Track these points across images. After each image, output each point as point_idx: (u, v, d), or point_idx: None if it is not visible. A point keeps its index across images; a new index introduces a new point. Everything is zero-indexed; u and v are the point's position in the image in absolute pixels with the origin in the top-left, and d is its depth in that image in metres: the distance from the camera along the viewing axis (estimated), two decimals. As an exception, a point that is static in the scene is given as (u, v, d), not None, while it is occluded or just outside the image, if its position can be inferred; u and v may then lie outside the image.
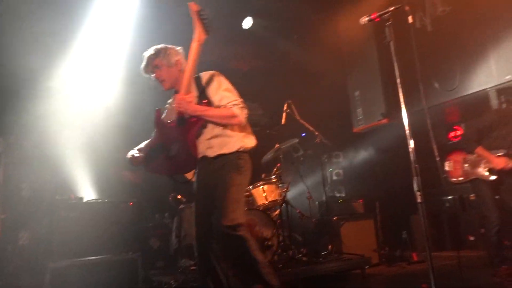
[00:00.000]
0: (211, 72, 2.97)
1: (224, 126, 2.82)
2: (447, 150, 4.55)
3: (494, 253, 3.90)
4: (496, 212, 3.89)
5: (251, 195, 4.92)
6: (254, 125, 7.28)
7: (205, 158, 2.85)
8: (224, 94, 2.84)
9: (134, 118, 5.80)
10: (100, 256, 4.14)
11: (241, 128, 2.91)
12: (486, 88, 5.52)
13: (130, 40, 5.88)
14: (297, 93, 6.66)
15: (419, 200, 2.74)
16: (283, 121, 5.25)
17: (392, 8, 3.08)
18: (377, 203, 6.00)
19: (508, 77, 5.35)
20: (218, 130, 2.83)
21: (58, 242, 4.08)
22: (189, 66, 2.79)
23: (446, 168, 4.19)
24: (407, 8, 3.22)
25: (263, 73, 7.62)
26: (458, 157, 4.15)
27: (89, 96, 5.53)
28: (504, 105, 5.27)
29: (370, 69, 6.69)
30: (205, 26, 2.76)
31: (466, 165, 4.09)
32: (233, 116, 2.76)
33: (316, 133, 5.34)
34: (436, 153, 3.56)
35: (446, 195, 5.92)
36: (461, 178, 4.11)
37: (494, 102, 5.44)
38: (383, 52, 6.51)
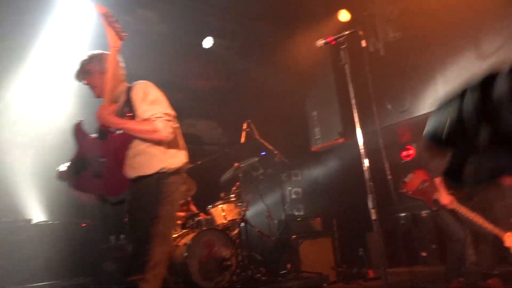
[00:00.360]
0: (142, 82, 2.71)
1: (151, 142, 2.52)
2: (400, 168, 4.73)
3: (454, 267, 4.05)
4: (461, 229, 4.02)
5: (210, 214, 4.87)
6: (213, 143, 7.32)
7: (131, 180, 2.55)
8: (149, 106, 2.55)
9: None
10: (49, 282, 3.92)
11: (168, 145, 2.59)
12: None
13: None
14: (256, 112, 6.73)
15: (373, 217, 2.83)
16: (242, 140, 5.27)
17: (346, 32, 3.22)
18: (334, 221, 6.09)
19: (454, 100, 5.70)
20: (142, 147, 2.53)
21: (4, 268, 3.82)
22: (109, 75, 2.58)
23: (405, 179, 4.36)
24: (360, 32, 3.36)
25: (223, 92, 7.66)
26: (420, 175, 4.34)
27: (39, 114, 5.30)
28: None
29: (327, 90, 6.91)
30: (117, 30, 2.61)
31: (422, 185, 4.31)
32: (154, 130, 2.46)
33: (276, 152, 5.40)
34: (388, 172, 3.71)
35: (399, 212, 6.12)
36: (410, 193, 4.31)
37: (442, 123, 5.75)
38: (339, 74, 6.72)
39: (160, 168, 2.51)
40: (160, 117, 2.50)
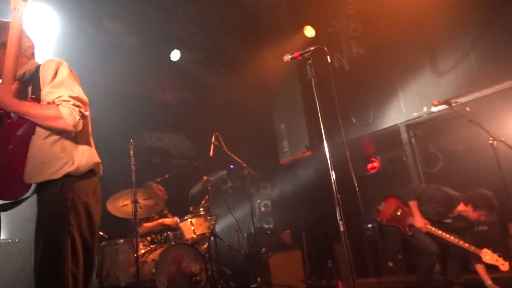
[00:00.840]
0: (53, 59, 2.20)
1: (56, 135, 2.07)
2: (366, 180, 4.87)
3: (425, 277, 4.18)
4: (433, 244, 4.17)
5: (179, 229, 4.80)
6: (182, 157, 7.25)
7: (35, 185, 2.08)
8: (55, 87, 2.07)
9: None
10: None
11: (77, 140, 2.15)
12: (397, 124, 6.07)
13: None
14: (224, 125, 6.75)
15: (341, 229, 2.87)
16: (211, 153, 5.26)
17: (312, 48, 3.29)
18: (303, 233, 6.15)
19: (415, 114, 5.95)
20: (45, 141, 2.06)
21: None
22: (11, 45, 2.07)
23: (379, 208, 4.52)
24: (325, 48, 3.46)
25: (191, 105, 7.63)
26: (393, 202, 4.51)
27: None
28: (413, 140, 5.83)
29: (295, 104, 7.04)
30: None
31: (395, 212, 4.44)
32: (57, 117, 1.99)
33: (244, 165, 5.42)
34: (356, 184, 3.81)
35: (366, 223, 6.26)
36: (385, 221, 4.49)
37: (404, 136, 5.99)
38: (306, 88, 6.91)
39: (68, 171, 2.03)
40: (66, 100, 2.03)
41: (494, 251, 3.98)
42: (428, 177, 5.72)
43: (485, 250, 4.01)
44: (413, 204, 4.32)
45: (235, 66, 7.72)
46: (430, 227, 4.20)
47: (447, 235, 4.11)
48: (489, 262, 3.99)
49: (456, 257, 4.26)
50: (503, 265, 3.92)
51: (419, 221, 4.23)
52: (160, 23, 6.48)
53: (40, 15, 5.40)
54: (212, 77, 7.69)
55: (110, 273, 4.31)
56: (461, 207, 4.16)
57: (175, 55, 7.03)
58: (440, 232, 4.15)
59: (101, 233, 4.70)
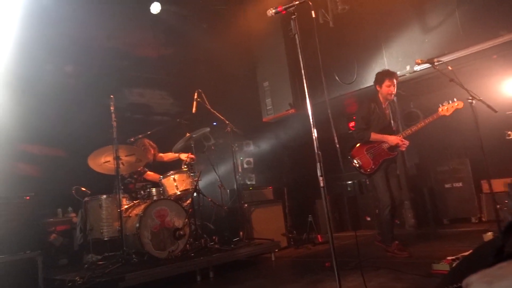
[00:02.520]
0: None
1: None
2: (348, 138, 4.92)
3: (387, 230, 4.35)
4: (388, 194, 4.34)
5: (162, 185, 4.84)
6: (164, 114, 7.18)
7: None
8: None
9: (29, 106, 5.31)
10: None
11: None
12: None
13: (23, 20, 5.35)
14: (207, 82, 6.66)
15: (321, 184, 2.95)
16: (193, 109, 5.22)
17: (296, 2, 3.21)
18: (285, 190, 6.29)
19: (398, 73, 5.95)
20: None
21: None
22: None
23: (356, 165, 4.46)
24: (310, 3, 3.37)
25: (173, 61, 7.45)
26: (361, 151, 4.50)
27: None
28: (395, 98, 5.86)
29: (278, 61, 6.95)
30: None
31: (370, 153, 4.48)
32: None
33: (227, 122, 5.41)
34: (337, 141, 3.85)
35: (346, 180, 6.42)
36: (373, 166, 4.41)
37: (386, 94, 6.02)
38: (290, 45, 6.80)
39: None
40: None
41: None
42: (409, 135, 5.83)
43: (439, 108, 4.26)
44: (373, 135, 4.41)
45: (218, 21, 7.49)
46: (404, 133, 4.36)
47: (418, 124, 4.33)
48: (450, 111, 4.25)
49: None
50: (458, 104, 4.20)
51: (391, 139, 4.34)
52: (139, -27, 6.18)
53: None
54: (195, 31, 7.46)
55: (94, 227, 4.37)
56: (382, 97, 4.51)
57: (155, 7, 6.76)
58: (411, 128, 4.34)
59: (83, 188, 4.71)
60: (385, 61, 6.13)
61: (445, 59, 4.72)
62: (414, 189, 6.34)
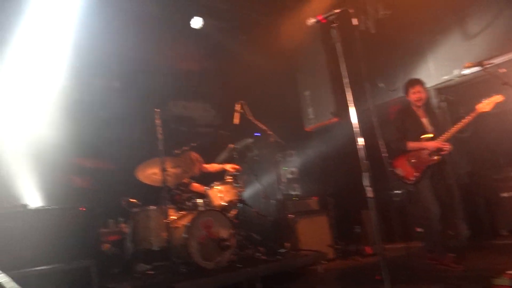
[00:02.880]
0: None
1: None
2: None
3: (439, 242, 4.15)
4: (435, 203, 4.19)
5: (207, 196, 4.91)
6: (207, 125, 7.31)
7: None
8: None
9: (81, 121, 5.59)
10: (50, 266, 3.95)
11: None
12: (427, 87, 5.88)
13: (74, 38, 5.66)
14: (249, 93, 6.71)
15: (369, 195, 2.87)
16: (236, 121, 5.28)
17: (337, 11, 3.20)
18: (330, 200, 6.18)
19: (445, 77, 5.75)
20: None
21: (2, 254, 3.83)
22: None
23: (400, 174, 4.38)
24: (351, 10, 3.34)
25: (215, 73, 7.61)
26: (402, 160, 4.40)
27: (32, 98, 5.23)
28: (443, 104, 5.66)
29: (319, 69, 6.91)
30: None
31: (412, 161, 4.34)
32: None
33: (269, 132, 5.42)
34: (383, 149, 3.75)
35: (394, 189, 6.22)
36: (416, 174, 4.31)
37: (434, 100, 5.82)
38: (331, 53, 6.74)
39: None
40: None
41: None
42: (459, 142, 5.59)
43: (477, 105, 4.11)
44: (410, 144, 4.33)
45: (258, 32, 7.56)
46: (443, 137, 4.22)
47: (457, 125, 4.18)
48: (490, 106, 4.09)
49: None
50: (497, 97, 4.06)
51: (431, 145, 4.23)
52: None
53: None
54: (235, 43, 7.59)
55: (144, 237, 4.49)
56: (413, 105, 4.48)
57: (197, 22, 6.95)
58: (450, 130, 4.20)
59: (132, 200, 4.87)
60: (430, 65, 5.94)
61: (496, 61, 4.50)
62: (467, 198, 6.03)
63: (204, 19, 6.92)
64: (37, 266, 3.86)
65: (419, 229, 6.15)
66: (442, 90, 5.88)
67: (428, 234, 4.36)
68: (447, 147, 4.21)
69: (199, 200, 4.85)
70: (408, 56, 6.10)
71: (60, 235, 4.18)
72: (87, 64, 5.86)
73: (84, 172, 5.70)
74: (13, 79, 5.11)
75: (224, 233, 4.43)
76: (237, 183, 4.98)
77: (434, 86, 5.83)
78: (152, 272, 4.22)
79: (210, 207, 4.75)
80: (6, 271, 3.72)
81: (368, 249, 5.63)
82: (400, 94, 6.03)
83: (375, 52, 6.22)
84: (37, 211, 4.27)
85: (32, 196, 4.93)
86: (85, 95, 5.80)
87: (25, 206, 4.35)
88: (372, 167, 2.98)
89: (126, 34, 6.32)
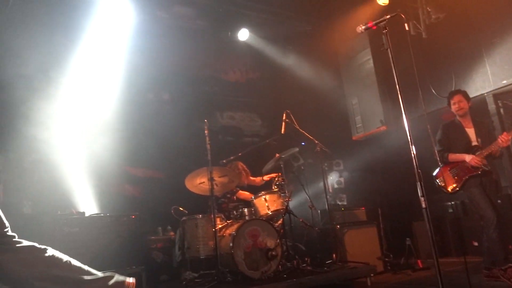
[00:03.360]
0: None
1: None
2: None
3: (499, 251, 3.90)
4: (490, 209, 4.01)
5: (253, 205, 4.92)
6: (254, 135, 7.37)
7: None
8: None
9: (133, 132, 5.82)
10: (105, 271, 4.10)
11: None
12: (483, 93, 5.59)
13: (128, 56, 5.97)
14: (295, 102, 6.70)
15: (423, 205, 2.74)
16: (282, 130, 5.27)
17: (388, 16, 3.12)
18: (379, 210, 5.99)
19: (504, 82, 5.42)
20: None
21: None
22: None
23: (441, 184, 4.35)
24: (403, 15, 3.26)
25: (261, 84, 7.69)
26: (444, 171, 4.34)
27: (89, 111, 5.54)
28: (501, 110, 5.35)
29: (367, 77, 6.75)
30: None
31: (453, 172, 4.28)
32: None
33: (316, 141, 5.36)
34: (438, 158, 3.59)
35: (448, 200, 5.92)
36: (454, 185, 4.27)
37: (491, 106, 5.50)
38: (379, 60, 6.58)
39: None
40: None
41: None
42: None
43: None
44: (451, 156, 4.30)
45: (303, 42, 7.57)
46: (480, 154, 4.15)
47: (492, 146, 4.10)
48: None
49: None
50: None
51: (470, 159, 4.16)
52: (227, 3, 6.53)
53: (115, 7, 5.72)
54: (280, 54, 7.63)
55: (191, 245, 4.56)
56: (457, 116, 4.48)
57: (243, 34, 7.06)
58: (486, 150, 4.13)
59: (181, 208, 4.97)
60: (487, 69, 5.63)
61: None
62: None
63: (251, 31, 7.03)
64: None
65: (475, 243, 5.81)
66: (500, 95, 5.55)
67: (486, 247, 4.10)
68: (480, 163, 4.13)
69: (245, 209, 4.86)
70: (462, 60, 5.82)
71: (113, 241, 4.36)
72: (140, 77, 6.15)
73: (135, 182, 5.93)
74: (73, 93, 5.44)
75: (270, 242, 4.41)
76: (283, 193, 4.95)
77: (491, 91, 5.52)
78: (199, 280, 4.26)
79: (256, 216, 4.75)
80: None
81: (420, 263, 5.38)
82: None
83: (427, 57, 6.01)
84: (92, 218, 4.48)
85: (88, 204, 5.18)
86: (138, 105, 6.07)
87: (82, 213, 4.58)
88: (426, 178, 2.84)
89: (175, 49, 6.58)
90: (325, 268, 4.60)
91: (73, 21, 5.62)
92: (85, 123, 5.44)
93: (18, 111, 4.81)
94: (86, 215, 4.55)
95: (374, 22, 3.20)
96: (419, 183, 2.75)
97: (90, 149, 5.36)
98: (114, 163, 5.60)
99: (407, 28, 3.35)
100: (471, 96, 5.61)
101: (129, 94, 5.94)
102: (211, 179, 4.47)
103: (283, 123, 5.28)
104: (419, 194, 2.74)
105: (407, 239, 5.52)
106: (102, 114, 5.59)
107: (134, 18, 5.98)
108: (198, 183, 4.84)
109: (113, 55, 5.93)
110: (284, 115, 5.33)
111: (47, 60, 5.21)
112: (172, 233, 5.32)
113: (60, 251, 4.07)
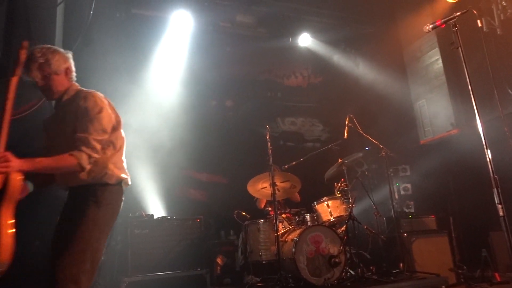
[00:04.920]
0: (93, 94, 2.36)
1: None
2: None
3: None
4: None
5: (315, 211, 4.86)
6: (315, 140, 7.31)
7: None
8: (82, 133, 2.26)
9: (199, 139, 6.02)
10: (171, 272, 4.29)
11: None
12: None
13: (192, 64, 6.24)
14: (359, 106, 6.55)
15: (501, 213, 2.55)
16: (345, 135, 5.16)
17: (458, 13, 2.97)
18: (450, 219, 5.64)
19: None
20: None
21: (132, 258, 4.28)
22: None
23: None
24: (475, 11, 3.08)
25: (322, 88, 7.61)
26: None
27: (157, 118, 5.82)
28: None
29: (435, 78, 6.42)
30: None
31: None
32: (71, 166, 2.19)
33: (381, 146, 5.19)
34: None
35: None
36: None
37: None
38: (448, 59, 6.23)
39: None
40: (88, 146, 2.21)
41: None
42: None
43: None
44: None
45: (367, 44, 7.38)
46: None
47: None
48: None
49: None
50: None
51: None
52: (288, 10, 6.56)
53: (178, 19, 6.03)
54: (343, 58, 7.51)
55: (253, 250, 4.61)
56: None
57: (304, 39, 7.05)
58: None
59: (243, 213, 5.05)
60: None
61: None
62: None
63: (312, 36, 7.00)
64: (159, 272, 4.24)
65: None
66: None
67: None
68: None
69: (308, 215, 4.82)
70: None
71: (179, 243, 4.54)
72: (204, 85, 6.40)
73: (200, 186, 6.13)
74: (145, 97, 5.78)
75: (333, 249, 4.33)
76: (347, 199, 4.83)
77: None
78: (261, 285, 4.29)
79: (318, 222, 4.69)
80: (137, 273, 4.15)
81: (498, 276, 4.97)
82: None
83: (502, 55, 5.58)
84: (160, 220, 4.70)
85: (156, 207, 5.44)
86: (202, 112, 6.30)
87: (151, 216, 4.82)
88: (503, 183, 2.64)
89: (237, 57, 6.74)
90: (392, 278, 4.42)
91: (146, 36, 6.03)
92: (153, 128, 5.72)
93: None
94: (155, 217, 4.78)
95: (443, 20, 3.06)
96: (495, 189, 2.57)
97: (156, 153, 5.62)
98: (180, 167, 5.84)
99: (479, 25, 3.16)
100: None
101: (194, 101, 6.20)
102: (272, 184, 4.49)
103: (346, 128, 5.18)
104: (496, 201, 2.55)
105: (483, 250, 5.13)
106: (169, 120, 5.86)
107: (198, 29, 6.24)
108: (260, 188, 4.89)
109: (179, 64, 6.24)
110: (347, 119, 5.22)
111: (120, 66, 5.55)
112: (234, 237, 5.42)
113: (132, 251, 4.32)
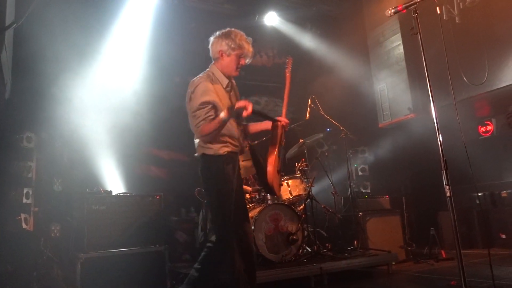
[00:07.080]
0: None
1: None
2: (477, 145, 4.42)
3: None
4: None
5: (275, 190, 4.93)
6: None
7: None
8: None
9: (160, 115, 5.90)
10: (129, 248, 4.25)
11: None
12: (516, 84, 5.35)
13: (156, 39, 6.06)
14: (321, 88, 6.63)
15: (448, 194, 2.69)
16: (307, 116, 5.22)
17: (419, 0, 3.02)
18: (403, 199, 5.91)
19: (542, 69, 5.17)
20: None
21: (89, 234, 4.20)
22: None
23: None
24: (435, -1, 3.15)
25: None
26: None
27: (117, 94, 5.65)
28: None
29: (396, 63, 6.59)
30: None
31: None
32: None
33: (341, 128, 5.30)
34: (466, 148, 3.46)
35: (476, 191, 5.76)
36: None
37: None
38: (409, 45, 6.40)
39: None
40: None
41: None
42: None
43: None
44: None
45: (332, 26, 7.43)
46: None
47: None
48: None
49: None
50: None
51: None
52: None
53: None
54: (308, 39, 7.53)
55: (213, 227, 4.64)
56: None
57: (271, 18, 6.99)
58: None
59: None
60: (524, 57, 5.38)
61: None
62: None
63: (278, 15, 6.96)
64: (117, 248, 4.19)
65: (503, 235, 5.66)
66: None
67: None
68: None
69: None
70: (497, 47, 5.57)
71: (138, 220, 4.49)
72: (167, 61, 6.23)
73: (161, 163, 6.05)
74: (102, 76, 5.57)
75: (291, 227, 4.44)
76: (306, 178, 4.94)
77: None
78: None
79: (278, 201, 4.77)
80: (94, 250, 4.09)
81: (444, 253, 5.30)
82: (487, 89, 5.58)
83: (459, 43, 5.79)
84: (119, 197, 4.62)
85: (115, 183, 5.33)
86: (166, 88, 6.14)
87: (109, 192, 4.72)
88: (452, 167, 2.77)
89: (202, 33, 6.58)
90: (346, 254, 4.60)
91: (107, 7, 5.76)
92: (114, 105, 5.56)
93: (49, 92, 4.95)
94: (113, 194, 4.69)
95: (404, 5, 3.11)
96: (444, 171, 2.70)
97: (117, 130, 5.48)
98: (140, 143, 5.73)
99: (438, 12, 3.24)
100: (506, 84, 5.42)
101: (156, 77, 6.03)
102: (234, 163, 4.49)
103: (308, 109, 5.23)
104: (444, 183, 2.69)
105: (432, 228, 5.44)
106: (130, 97, 5.70)
107: (163, 2, 6.03)
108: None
109: (141, 39, 6.04)
110: (309, 100, 5.28)
111: (78, 41, 5.32)
112: (195, 215, 5.42)
113: (88, 227, 4.23)
